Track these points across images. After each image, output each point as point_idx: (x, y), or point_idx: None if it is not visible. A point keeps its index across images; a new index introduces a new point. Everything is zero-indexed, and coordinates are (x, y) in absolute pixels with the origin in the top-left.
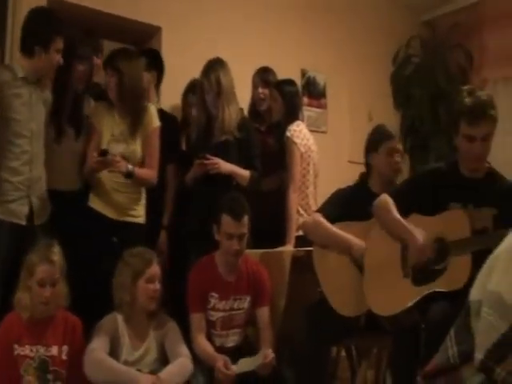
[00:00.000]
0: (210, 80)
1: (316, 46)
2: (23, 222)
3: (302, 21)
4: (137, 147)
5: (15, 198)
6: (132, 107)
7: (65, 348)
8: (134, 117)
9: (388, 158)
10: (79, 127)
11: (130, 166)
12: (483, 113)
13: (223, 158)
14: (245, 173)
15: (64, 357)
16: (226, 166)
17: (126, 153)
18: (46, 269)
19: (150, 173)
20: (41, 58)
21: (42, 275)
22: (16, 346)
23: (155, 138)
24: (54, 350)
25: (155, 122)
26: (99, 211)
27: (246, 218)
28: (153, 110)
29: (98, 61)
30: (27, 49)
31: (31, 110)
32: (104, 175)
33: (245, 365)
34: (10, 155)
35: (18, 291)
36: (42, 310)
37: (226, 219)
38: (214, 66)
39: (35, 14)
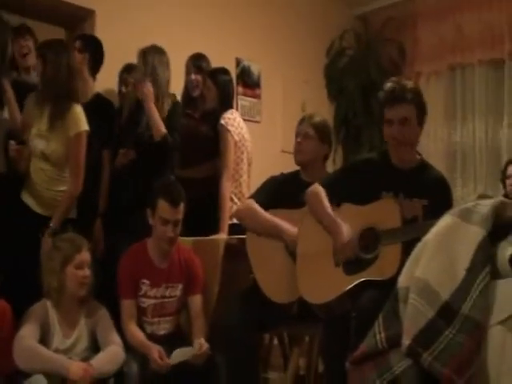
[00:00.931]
0: (146, 64)
1: (251, 35)
2: None
3: (238, 10)
4: (57, 147)
5: None
6: (55, 102)
7: None
8: (57, 112)
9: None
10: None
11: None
12: (400, 96)
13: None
14: (162, 126)
15: None
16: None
17: (46, 151)
18: None
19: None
20: None
21: None
22: None
23: (77, 144)
24: None
25: (79, 127)
26: (28, 205)
27: (182, 205)
28: (77, 112)
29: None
30: None
31: None
32: (34, 170)
33: (179, 355)
34: None
35: None
36: None
37: (162, 204)
38: (148, 52)
39: None
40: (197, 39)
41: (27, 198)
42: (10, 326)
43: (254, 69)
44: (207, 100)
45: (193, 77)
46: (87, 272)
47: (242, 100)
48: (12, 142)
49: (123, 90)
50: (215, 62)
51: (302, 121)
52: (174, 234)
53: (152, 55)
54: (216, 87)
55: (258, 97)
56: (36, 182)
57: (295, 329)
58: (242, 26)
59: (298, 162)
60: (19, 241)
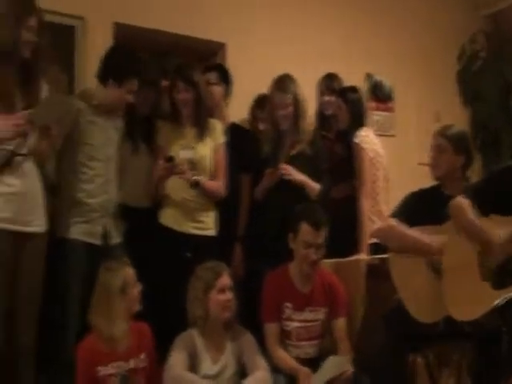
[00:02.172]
0: (283, 93)
1: (380, 49)
2: (98, 242)
3: (364, 27)
4: (206, 153)
5: (91, 218)
6: (204, 118)
7: (143, 356)
8: (204, 126)
9: None
10: (150, 145)
11: (195, 177)
12: None
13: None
14: (315, 185)
15: (142, 364)
16: (298, 176)
17: (194, 159)
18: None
19: (216, 185)
20: (113, 90)
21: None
22: (100, 368)
23: (222, 153)
24: (132, 363)
25: (221, 138)
26: (170, 227)
27: (324, 230)
28: (219, 125)
29: (166, 83)
30: (102, 77)
31: (106, 136)
32: (172, 188)
33: (330, 365)
34: (86, 178)
35: (92, 310)
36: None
37: (304, 227)
38: (287, 80)
39: (119, 49)
40: (327, 58)
41: (166, 219)
42: (152, 342)
43: (386, 82)
44: (340, 120)
45: (326, 98)
46: (229, 295)
47: (375, 115)
48: (160, 162)
49: (259, 126)
50: (346, 79)
51: (435, 134)
52: (316, 257)
53: (285, 83)
54: (347, 106)
55: (390, 110)
56: (178, 200)
57: (442, 348)
58: (370, 40)
59: (435, 177)
60: (163, 266)
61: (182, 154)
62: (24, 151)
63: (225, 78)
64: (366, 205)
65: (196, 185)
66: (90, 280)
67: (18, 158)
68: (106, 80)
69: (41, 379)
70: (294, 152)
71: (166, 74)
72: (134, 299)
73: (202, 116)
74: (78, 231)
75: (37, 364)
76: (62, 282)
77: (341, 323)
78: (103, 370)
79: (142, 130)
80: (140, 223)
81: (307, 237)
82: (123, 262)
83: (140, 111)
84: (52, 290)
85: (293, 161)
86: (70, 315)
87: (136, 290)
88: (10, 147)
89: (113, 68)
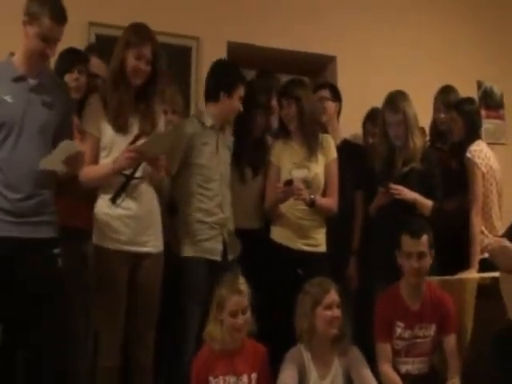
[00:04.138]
0: (394, 113)
1: (490, 55)
2: (218, 258)
3: (475, 32)
4: (319, 171)
5: (210, 236)
6: (312, 133)
7: (254, 376)
8: (313, 142)
9: None
10: (258, 169)
11: (312, 196)
12: None
13: (406, 188)
14: (427, 202)
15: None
16: (409, 194)
17: (308, 177)
18: (237, 300)
19: (330, 201)
20: (225, 102)
21: (233, 307)
22: (211, 378)
23: (334, 168)
24: (245, 379)
25: (334, 153)
26: (282, 243)
27: (424, 237)
28: (331, 141)
29: (274, 103)
30: (212, 95)
31: (219, 155)
32: (286, 205)
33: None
34: (203, 198)
35: (209, 325)
36: (236, 339)
37: (404, 239)
38: (397, 98)
39: (221, 64)
40: (437, 66)
41: (278, 236)
42: (267, 366)
43: (496, 89)
44: (454, 133)
45: (442, 115)
46: (337, 312)
47: (486, 123)
48: (279, 185)
49: (370, 140)
50: (457, 87)
51: None
52: (419, 266)
53: (398, 101)
54: (462, 118)
55: (501, 118)
56: (292, 218)
57: None
58: (480, 47)
59: None
60: (275, 282)
61: (295, 173)
62: (139, 174)
63: (337, 95)
64: (477, 220)
65: (312, 204)
66: (208, 295)
67: (134, 182)
68: (217, 95)
69: None
70: (406, 169)
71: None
72: (248, 318)
73: (309, 131)
74: (198, 249)
75: (155, 379)
76: (182, 299)
77: (451, 339)
78: (213, 382)
79: (249, 155)
80: (252, 244)
81: (408, 247)
82: (240, 280)
83: (252, 134)
84: (171, 306)
85: (405, 178)
86: (190, 330)
87: (249, 309)
88: (127, 172)
89: (221, 81)
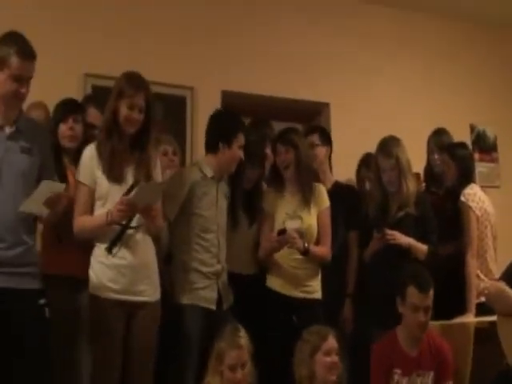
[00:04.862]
0: (387, 158)
1: (483, 99)
2: (214, 307)
3: (468, 76)
4: (312, 222)
5: (206, 285)
6: (307, 182)
7: None
8: (308, 191)
9: None
10: (253, 217)
11: (306, 244)
12: None
13: (401, 233)
14: (422, 247)
15: None
16: (404, 239)
17: (301, 228)
18: (236, 354)
19: (323, 250)
20: (224, 153)
21: (232, 361)
22: None
23: (327, 217)
24: None
25: (326, 202)
26: (277, 291)
27: (431, 291)
28: (323, 189)
29: (268, 151)
30: (212, 146)
31: (217, 206)
32: (280, 255)
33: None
34: (199, 248)
35: (208, 376)
36: None
37: (411, 291)
38: (390, 143)
39: (218, 115)
40: (430, 112)
41: (273, 284)
42: None
43: (490, 132)
44: (448, 176)
45: (435, 157)
46: (335, 358)
47: (479, 166)
48: (273, 235)
49: (367, 187)
50: (451, 131)
51: None
52: (425, 320)
53: (391, 146)
54: (455, 163)
55: (495, 161)
56: (286, 266)
57: None
58: (473, 91)
59: None
60: (270, 329)
61: (289, 224)
62: (134, 224)
63: (327, 139)
64: (473, 263)
65: (306, 252)
66: (205, 343)
67: (130, 231)
68: (216, 146)
69: None
70: (400, 214)
71: (266, 141)
72: (247, 372)
73: (304, 180)
74: (194, 297)
75: None
76: (179, 347)
77: None
78: None
79: (244, 204)
80: (245, 288)
81: (415, 300)
82: (240, 333)
83: (246, 184)
84: (168, 355)
85: (399, 223)
86: (188, 380)
87: (249, 364)
88: (123, 222)
89: (219, 132)
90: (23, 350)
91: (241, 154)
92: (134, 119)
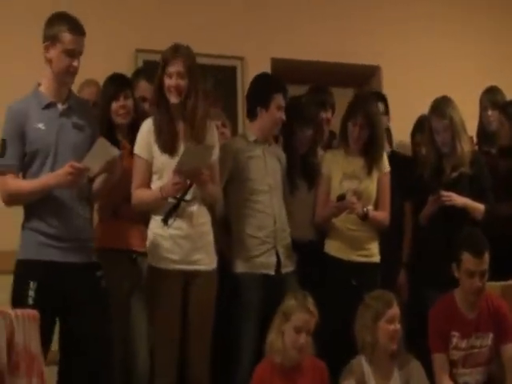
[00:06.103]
0: (440, 119)
1: None
2: (272, 272)
3: None
4: (371, 184)
5: (262, 251)
6: (377, 153)
7: None
8: (374, 154)
9: None
10: (311, 181)
11: (365, 209)
12: None
13: (456, 193)
14: (479, 206)
15: None
16: (460, 200)
17: (359, 189)
18: (304, 317)
19: (383, 215)
20: (263, 117)
21: (299, 323)
22: None
23: (387, 182)
24: None
25: (387, 167)
26: (335, 255)
27: (486, 255)
28: (384, 154)
29: (326, 115)
30: (251, 112)
31: (266, 167)
32: (339, 221)
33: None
34: (252, 212)
35: (271, 334)
36: (294, 357)
37: (466, 256)
38: (443, 104)
39: (254, 80)
40: (484, 75)
41: (332, 249)
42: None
43: None
44: (502, 135)
45: (489, 113)
46: (398, 326)
47: None
48: (332, 200)
49: (422, 152)
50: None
51: None
52: (481, 284)
53: (443, 107)
54: (509, 122)
55: None
56: (344, 230)
57: None
58: None
59: None
60: (336, 295)
61: (346, 184)
62: (189, 197)
63: (387, 108)
64: None
65: (365, 217)
66: (266, 309)
67: (183, 204)
68: (255, 111)
69: None
70: (455, 175)
71: (325, 107)
72: (310, 340)
73: (376, 149)
74: (251, 265)
75: None
76: (236, 316)
77: (509, 349)
78: None
79: (300, 167)
80: (305, 255)
81: (470, 266)
82: (310, 299)
83: (300, 149)
84: (226, 325)
85: (454, 184)
86: (243, 349)
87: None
88: (177, 196)
89: (255, 97)
90: (84, 322)
91: (281, 115)
92: (174, 86)
